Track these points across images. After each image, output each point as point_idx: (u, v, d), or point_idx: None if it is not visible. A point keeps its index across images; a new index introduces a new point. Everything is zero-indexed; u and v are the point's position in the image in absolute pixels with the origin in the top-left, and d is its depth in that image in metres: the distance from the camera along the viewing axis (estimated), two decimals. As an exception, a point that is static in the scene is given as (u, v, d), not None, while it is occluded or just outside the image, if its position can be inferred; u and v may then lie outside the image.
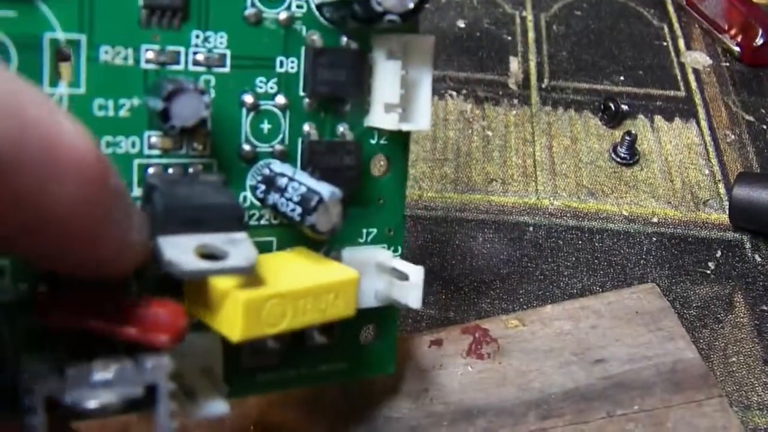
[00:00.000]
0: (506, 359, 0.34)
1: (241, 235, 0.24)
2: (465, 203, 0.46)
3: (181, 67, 0.26)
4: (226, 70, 0.26)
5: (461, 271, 0.43)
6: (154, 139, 0.25)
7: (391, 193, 0.30)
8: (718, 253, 0.45)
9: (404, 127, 0.28)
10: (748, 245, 0.46)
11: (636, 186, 0.48)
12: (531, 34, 0.58)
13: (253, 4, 0.26)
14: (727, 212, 0.46)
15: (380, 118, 0.28)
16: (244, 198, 0.27)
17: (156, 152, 0.25)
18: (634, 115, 0.53)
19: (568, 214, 0.46)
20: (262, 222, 0.28)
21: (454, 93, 0.53)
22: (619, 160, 0.49)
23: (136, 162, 0.25)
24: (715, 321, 0.42)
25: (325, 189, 0.25)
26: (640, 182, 0.49)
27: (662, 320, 0.36)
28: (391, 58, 0.28)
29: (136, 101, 0.25)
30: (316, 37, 0.27)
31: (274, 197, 0.26)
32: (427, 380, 0.34)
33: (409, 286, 0.29)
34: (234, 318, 0.22)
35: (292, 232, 0.28)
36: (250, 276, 0.23)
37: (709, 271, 0.44)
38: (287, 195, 0.26)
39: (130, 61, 0.25)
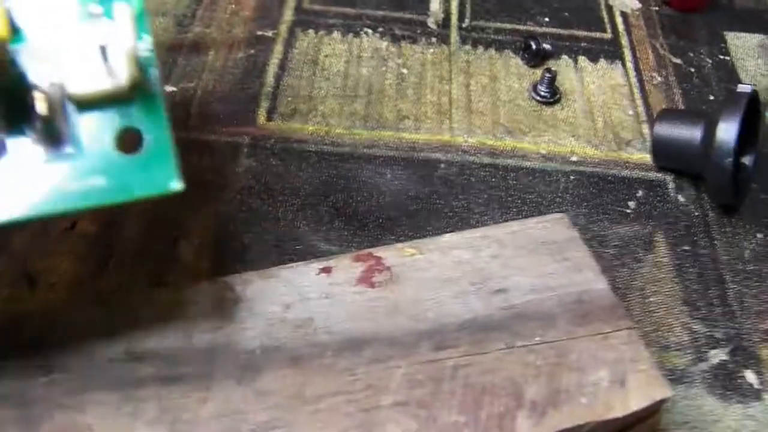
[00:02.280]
0: (399, 288, 0.32)
1: None
2: (374, 140, 0.44)
3: None
4: None
5: (367, 208, 0.40)
6: None
7: None
8: (639, 193, 0.43)
9: None
10: (671, 185, 0.43)
11: (556, 125, 0.46)
12: (454, -25, 0.56)
13: None
14: (650, 151, 0.44)
15: None
16: None
17: None
18: (558, 56, 0.50)
19: (482, 152, 0.44)
20: None
21: (370, 31, 0.51)
22: (539, 98, 0.47)
23: None
24: (634, 260, 0.40)
25: None
26: (560, 121, 0.46)
27: (569, 250, 0.34)
28: None
29: None
30: None
31: None
32: (312, 309, 0.31)
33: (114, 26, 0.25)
34: None
35: None
36: None
37: (629, 210, 0.42)
38: None
39: None
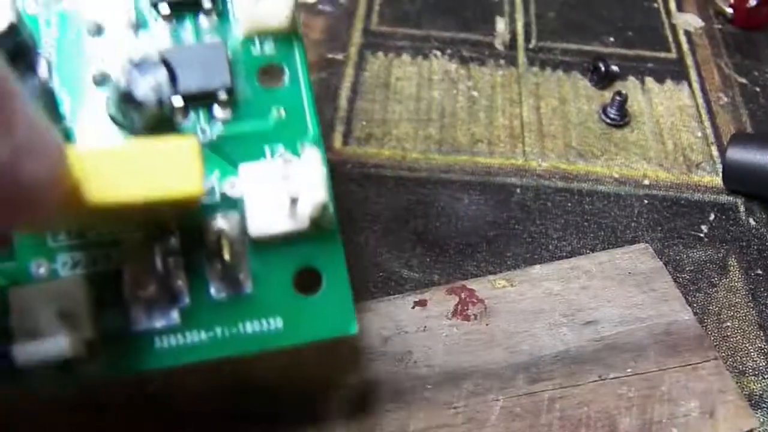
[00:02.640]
0: (493, 320, 0.33)
1: None
2: (450, 164, 0.45)
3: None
4: None
5: (446, 234, 0.41)
6: None
7: (293, 104, 0.27)
8: (711, 216, 0.43)
9: (261, 9, 0.26)
10: (742, 208, 0.44)
11: (626, 148, 0.47)
12: (518, -5, 0.57)
13: None
14: (720, 175, 0.45)
15: (238, 6, 0.26)
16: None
17: None
18: (624, 77, 0.51)
19: (556, 176, 0.45)
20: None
21: (439, 53, 0.51)
22: (609, 121, 0.48)
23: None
24: (709, 285, 0.40)
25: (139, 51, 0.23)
26: (630, 144, 0.47)
27: (656, 281, 0.35)
28: None
29: None
30: None
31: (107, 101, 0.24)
32: (411, 342, 0.32)
33: (301, 174, 0.25)
34: None
35: None
36: None
37: (702, 234, 0.43)
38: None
39: None
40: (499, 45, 0.53)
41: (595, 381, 0.31)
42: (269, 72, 0.27)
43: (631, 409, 0.31)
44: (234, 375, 0.30)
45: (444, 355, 0.32)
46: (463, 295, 0.34)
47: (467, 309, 0.33)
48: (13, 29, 0.22)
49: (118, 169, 0.20)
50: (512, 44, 0.53)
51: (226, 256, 0.25)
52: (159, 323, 0.25)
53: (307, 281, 0.26)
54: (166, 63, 0.23)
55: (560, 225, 0.42)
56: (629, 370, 0.32)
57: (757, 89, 0.51)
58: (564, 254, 0.40)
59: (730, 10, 0.56)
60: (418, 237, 0.41)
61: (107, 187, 0.20)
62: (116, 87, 0.23)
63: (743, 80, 0.52)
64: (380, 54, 0.51)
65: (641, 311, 0.34)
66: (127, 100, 0.22)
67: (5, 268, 0.24)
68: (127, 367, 0.24)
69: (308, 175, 0.24)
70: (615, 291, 0.34)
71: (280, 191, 0.25)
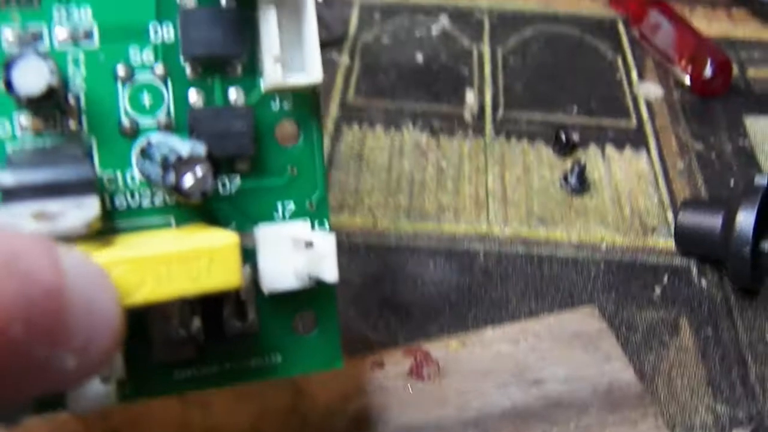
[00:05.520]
0: (446, 380, 0.35)
1: (92, 199, 0.23)
2: (418, 232, 0.47)
3: (45, 45, 0.26)
4: (95, 44, 0.26)
5: (412, 298, 0.44)
6: (24, 121, 0.25)
7: (306, 162, 0.29)
8: (665, 279, 0.46)
9: (291, 80, 0.27)
10: (694, 270, 0.47)
11: (586, 213, 0.49)
12: (488, 68, 0.60)
13: None
14: (674, 239, 0.47)
15: (269, 73, 0.27)
16: (132, 177, 0.27)
17: (29, 135, 0.25)
18: (586, 145, 0.54)
19: (518, 242, 0.47)
20: (156, 202, 0.27)
21: (411, 125, 0.54)
22: (569, 188, 0.50)
23: (9, 147, 0.25)
24: (661, 344, 0.43)
25: (186, 145, 0.24)
26: (589, 210, 0.50)
27: (600, 342, 0.37)
28: (268, 6, 0.27)
29: (2, 85, 0.24)
30: (190, 2, 0.27)
31: (145, 165, 0.26)
32: (369, 401, 0.34)
33: (320, 256, 0.27)
34: None
35: (190, 211, 0.27)
36: (95, 239, 0.23)
37: (655, 296, 0.45)
38: (152, 158, 0.25)
39: None
40: (468, 116, 0.56)
41: (540, 436, 0.34)
42: (285, 129, 0.29)
43: (573, 463, 0.33)
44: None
45: (398, 412, 0.34)
46: (418, 356, 0.36)
47: (422, 369, 0.36)
48: (53, 91, 0.23)
49: (161, 270, 0.22)
50: (480, 115, 0.56)
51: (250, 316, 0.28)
52: (178, 357, 0.27)
53: (303, 321, 0.30)
54: (210, 156, 0.24)
55: (520, 289, 0.45)
56: (572, 425, 0.34)
57: (713, 155, 0.54)
58: (522, 316, 0.43)
59: (688, 79, 0.59)
60: (386, 301, 0.43)
61: (150, 289, 0.22)
62: (162, 178, 0.24)
63: (699, 147, 0.55)
64: (355, 126, 0.54)
65: (585, 370, 0.36)
66: (173, 190, 0.24)
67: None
68: (148, 392, 0.27)
69: (323, 259, 0.27)
70: (561, 351, 0.37)
71: (294, 259, 0.27)
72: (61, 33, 0.26)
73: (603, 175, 0.52)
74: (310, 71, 0.27)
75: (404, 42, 0.61)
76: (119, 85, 0.26)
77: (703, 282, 0.46)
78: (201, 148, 0.23)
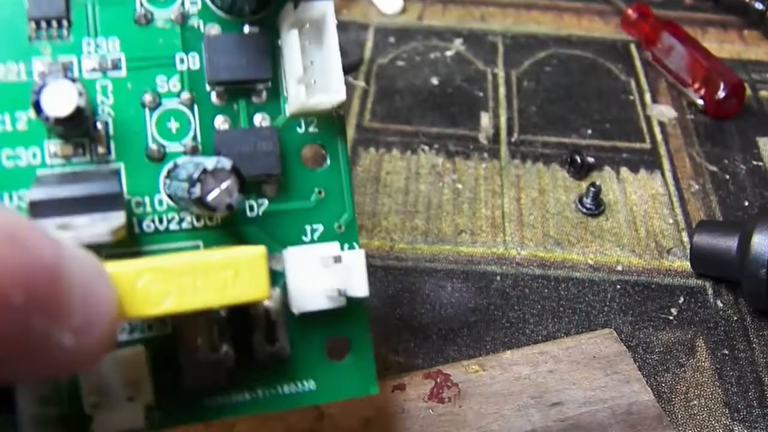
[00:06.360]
0: (466, 403, 0.36)
1: (118, 213, 0.23)
2: (435, 254, 0.48)
3: (74, 75, 0.26)
4: (122, 73, 0.27)
5: (430, 320, 0.44)
6: (53, 148, 0.26)
7: (333, 184, 0.29)
8: (681, 300, 0.46)
9: (313, 100, 0.27)
10: (710, 291, 0.47)
11: (601, 235, 0.50)
12: (502, 90, 0.61)
13: (142, 5, 0.27)
14: (690, 260, 0.48)
15: (293, 96, 0.27)
16: (160, 201, 0.27)
17: (58, 161, 0.26)
18: (601, 167, 0.55)
19: (534, 264, 0.48)
20: (184, 225, 0.27)
21: (427, 147, 0.55)
22: (584, 210, 0.51)
23: (40, 173, 0.26)
24: (677, 365, 0.43)
25: (211, 160, 0.24)
26: (605, 232, 0.50)
27: (618, 364, 0.38)
28: (290, 29, 0.27)
29: (32, 114, 0.25)
30: (215, 30, 0.28)
31: (171, 185, 0.26)
32: (390, 424, 0.35)
33: (349, 270, 0.27)
34: None
35: (218, 234, 0.27)
36: (124, 251, 0.24)
37: (671, 317, 0.45)
38: (178, 176, 0.25)
39: (23, 76, 0.26)
40: (483, 139, 0.56)
41: (560, 459, 0.34)
42: (312, 152, 0.29)
43: (593, 484, 0.33)
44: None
45: (420, 435, 0.35)
46: (438, 380, 0.37)
47: (442, 392, 0.36)
48: (81, 113, 0.24)
49: (186, 280, 0.22)
50: (495, 138, 0.56)
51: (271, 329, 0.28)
52: (208, 382, 0.27)
53: (336, 346, 0.29)
54: (235, 169, 0.24)
55: (537, 310, 0.45)
56: (592, 448, 0.34)
57: (727, 176, 0.55)
58: (540, 338, 0.43)
59: (700, 101, 0.59)
60: (404, 323, 0.44)
61: (175, 300, 0.22)
62: (188, 192, 0.24)
63: (714, 168, 0.55)
64: (372, 149, 0.55)
65: (604, 393, 0.36)
66: (198, 203, 0.24)
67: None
68: (178, 420, 0.27)
69: (353, 272, 0.27)
70: (580, 374, 0.37)
71: (323, 278, 0.27)
72: (89, 63, 0.27)
73: (618, 196, 0.52)
74: (333, 91, 0.27)
75: (419, 65, 0.62)
76: (146, 111, 0.27)
77: (719, 303, 0.46)
78: (227, 162, 0.24)
